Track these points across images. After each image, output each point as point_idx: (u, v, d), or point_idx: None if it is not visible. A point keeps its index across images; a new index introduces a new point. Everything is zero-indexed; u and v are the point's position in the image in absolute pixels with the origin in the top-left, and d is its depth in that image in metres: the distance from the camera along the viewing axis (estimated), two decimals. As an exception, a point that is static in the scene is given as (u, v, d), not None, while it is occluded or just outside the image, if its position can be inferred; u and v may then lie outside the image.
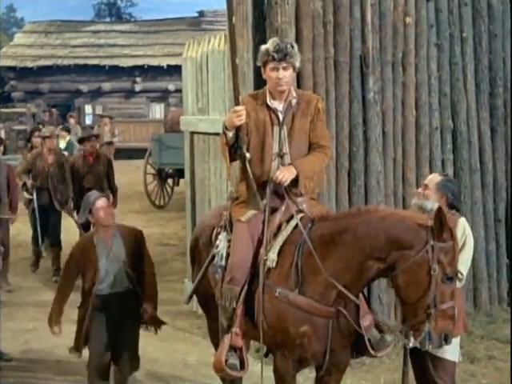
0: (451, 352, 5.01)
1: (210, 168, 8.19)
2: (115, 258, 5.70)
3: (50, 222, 10.31)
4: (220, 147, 5.00)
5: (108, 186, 10.54)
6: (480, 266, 7.88)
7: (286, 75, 4.82)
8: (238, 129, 4.81)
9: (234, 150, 4.85)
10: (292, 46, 4.82)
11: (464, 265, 4.93)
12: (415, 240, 4.25)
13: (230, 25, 4.64)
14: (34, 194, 10.16)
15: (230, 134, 4.79)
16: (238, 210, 4.96)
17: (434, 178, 5.14)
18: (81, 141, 10.77)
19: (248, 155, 4.84)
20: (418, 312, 4.27)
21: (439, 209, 4.20)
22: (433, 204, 5.00)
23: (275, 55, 4.78)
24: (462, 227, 5.00)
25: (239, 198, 5.00)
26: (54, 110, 25.75)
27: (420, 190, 5.13)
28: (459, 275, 4.86)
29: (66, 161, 10.46)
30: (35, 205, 10.18)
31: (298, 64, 4.88)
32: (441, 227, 4.20)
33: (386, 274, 4.42)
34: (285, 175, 4.78)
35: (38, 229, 10.20)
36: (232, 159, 4.90)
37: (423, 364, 5.03)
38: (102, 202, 5.72)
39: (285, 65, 4.80)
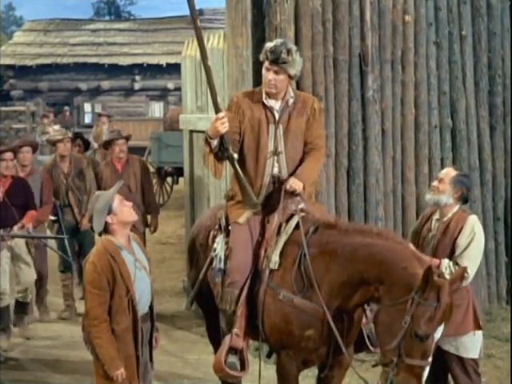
0: (473, 351, 5.05)
1: (209, 166, 8.18)
2: (142, 268, 4.65)
3: (81, 244, 8.42)
4: (203, 157, 4.94)
5: (142, 202, 8.35)
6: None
7: (277, 78, 4.79)
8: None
9: (221, 153, 4.79)
10: (289, 53, 4.73)
11: (471, 262, 4.94)
12: (402, 286, 4.20)
13: (195, 28, 4.48)
14: (60, 214, 8.29)
15: (215, 143, 4.74)
16: (235, 211, 4.95)
17: (449, 173, 5.12)
18: (107, 144, 8.68)
19: (236, 156, 4.81)
20: (386, 354, 4.25)
21: (429, 268, 4.11)
22: (447, 198, 5.01)
23: (269, 55, 4.77)
24: (471, 225, 5.01)
25: (234, 198, 4.99)
26: (66, 107, 25.72)
27: (435, 183, 5.12)
28: (465, 274, 4.87)
29: (88, 164, 8.57)
30: (62, 226, 8.28)
31: (294, 72, 4.80)
32: (426, 286, 4.10)
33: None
34: (297, 184, 4.77)
35: (69, 252, 8.13)
36: (219, 159, 4.85)
37: (442, 364, 5.04)
38: (119, 196, 4.70)
39: (276, 68, 4.76)
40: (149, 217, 8.61)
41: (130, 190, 8.16)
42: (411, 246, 5.01)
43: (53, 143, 8.55)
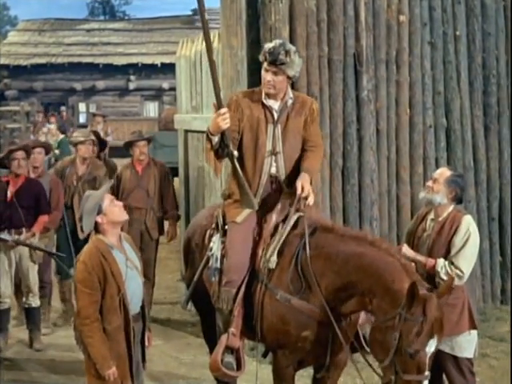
0: (468, 350, 5.05)
1: (204, 166, 8.19)
2: (133, 267, 4.64)
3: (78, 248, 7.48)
4: (205, 153, 4.95)
5: (160, 208, 8.13)
6: (473, 264, 7.89)
7: (275, 79, 4.79)
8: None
9: (222, 149, 4.80)
10: (287, 54, 4.72)
11: (466, 262, 4.93)
12: (390, 301, 4.17)
13: (202, 22, 4.51)
14: (64, 215, 7.94)
15: (216, 139, 4.74)
16: (233, 210, 4.94)
17: (443, 173, 5.11)
18: (127, 146, 8.29)
19: (236, 153, 4.81)
20: (384, 372, 4.21)
21: (413, 284, 4.05)
22: (441, 198, 5.01)
23: (267, 56, 4.78)
24: (467, 225, 5.00)
25: (232, 197, 4.99)
26: (63, 108, 25.63)
27: (429, 183, 5.12)
28: (459, 272, 4.88)
29: (107, 174, 8.30)
30: (66, 228, 8.02)
31: (292, 73, 4.80)
32: (411, 301, 4.05)
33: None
34: (307, 189, 4.71)
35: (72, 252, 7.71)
36: (219, 157, 4.85)
37: (437, 363, 5.04)
38: (109, 196, 4.72)
39: (274, 69, 4.77)
40: (166, 223, 8.36)
41: (148, 193, 8.05)
42: (406, 248, 5.02)
43: (74, 145, 8.31)
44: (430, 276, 4.93)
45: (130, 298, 4.56)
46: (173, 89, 17.50)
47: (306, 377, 5.53)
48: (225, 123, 4.65)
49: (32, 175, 7.56)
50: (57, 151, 15.45)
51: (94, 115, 18.27)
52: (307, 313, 4.52)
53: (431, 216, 5.15)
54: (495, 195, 8.11)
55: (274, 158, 4.89)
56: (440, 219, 5.08)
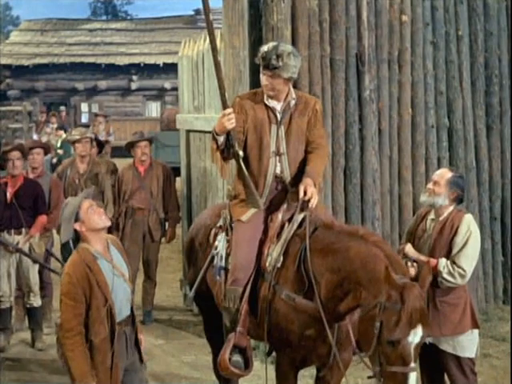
0: (470, 350, 5.04)
1: (206, 166, 8.18)
2: (120, 275, 4.47)
3: None
4: (211, 153, 4.96)
5: (163, 209, 8.19)
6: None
7: (273, 82, 4.78)
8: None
9: (227, 150, 4.81)
10: (279, 58, 4.68)
11: (468, 261, 4.93)
12: (373, 291, 4.15)
13: (207, 22, 4.51)
14: None
15: (221, 139, 4.75)
16: (238, 209, 4.95)
17: (444, 174, 5.08)
18: (129, 146, 8.28)
19: (241, 153, 4.82)
20: (372, 364, 4.18)
21: (385, 268, 4.05)
22: (443, 200, 5.00)
23: (261, 61, 4.78)
24: (467, 224, 5.00)
25: (238, 197, 4.99)
26: (62, 107, 25.56)
27: (430, 185, 5.10)
28: (461, 271, 4.88)
29: (107, 172, 8.22)
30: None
31: (288, 75, 4.76)
32: (390, 288, 4.03)
33: None
34: (311, 191, 4.70)
35: None
36: (225, 158, 4.86)
37: (439, 363, 5.04)
38: (88, 202, 4.48)
39: (270, 73, 4.76)
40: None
41: (151, 194, 8.07)
42: (409, 247, 5.01)
43: (72, 143, 8.34)
44: (433, 276, 4.93)
45: (118, 307, 4.42)
46: (175, 89, 17.55)
47: (307, 376, 5.54)
48: (230, 123, 4.67)
49: (31, 176, 7.55)
50: (60, 151, 15.49)
51: (96, 115, 18.33)
52: (311, 312, 4.52)
53: (431, 216, 5.15)
54: (497, 195, 8.10)
55: (278, 158, 4.89)
56: (441, 219, 5.07)
